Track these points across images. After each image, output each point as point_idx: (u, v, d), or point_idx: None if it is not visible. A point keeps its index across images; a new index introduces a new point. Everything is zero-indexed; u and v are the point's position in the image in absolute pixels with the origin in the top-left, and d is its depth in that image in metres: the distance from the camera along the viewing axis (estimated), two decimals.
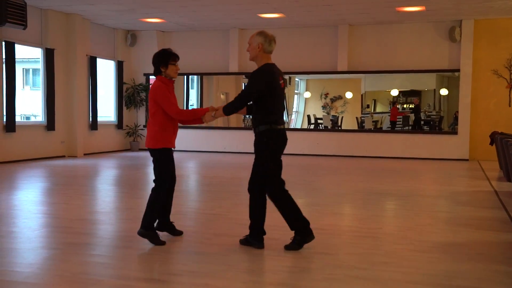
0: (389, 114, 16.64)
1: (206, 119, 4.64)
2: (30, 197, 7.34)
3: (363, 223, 5.66)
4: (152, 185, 4.67)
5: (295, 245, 4.43)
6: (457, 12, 12.12)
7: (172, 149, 4.71)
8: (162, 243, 4.55)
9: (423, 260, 4.24)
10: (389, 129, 15.99)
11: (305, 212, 6.52)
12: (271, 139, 4.42)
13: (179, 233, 4.91)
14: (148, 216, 4.57)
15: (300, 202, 7.36)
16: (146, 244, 4.51)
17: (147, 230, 4.55)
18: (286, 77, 16.63)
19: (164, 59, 4.66)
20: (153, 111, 4.63)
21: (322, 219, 5.80)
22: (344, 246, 4.74)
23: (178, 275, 3.84)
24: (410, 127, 15.90)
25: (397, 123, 16.11)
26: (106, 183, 9.25)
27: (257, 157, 4.49)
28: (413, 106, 16.66)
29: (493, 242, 4.90)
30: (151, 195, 4.64)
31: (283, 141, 4.53)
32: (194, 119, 4.75)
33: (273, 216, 5.86)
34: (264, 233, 4.53)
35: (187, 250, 4.37)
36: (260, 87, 4.37)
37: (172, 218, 4.96)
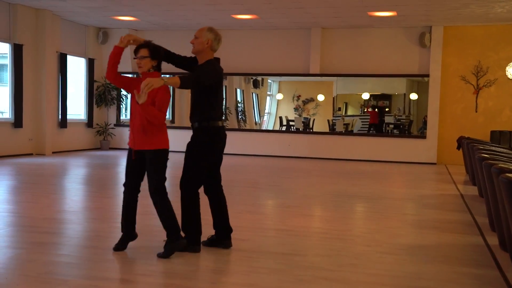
0: (361, 117, 16.78)
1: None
2: None
3: (332, 225, 5.71)
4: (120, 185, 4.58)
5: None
6: (427, 19, 12.36)
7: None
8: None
9: (390, 262, 4.31)
10: (365, 132, 16.15)
11: (275, 213, 6.58)
12: (208, 136, 4.29)
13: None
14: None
15: (270, 203, 7.43)
16: (113, 244, 4.42)
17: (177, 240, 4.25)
18: (259, 78, 16.70)
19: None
20: None
21: (291, 220, 5.83)
22: (313, 247, 4.77)
23: (146, 275, 3.80)
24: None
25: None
26: (74, 182, 9.10)
27: (191, 154, 4.32)
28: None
29: (458, 245, 5.00)
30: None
31: (221, 138, 4.39)
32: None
33: (242, 216, 5.87)
34: (200, 233, 4.38)
35: (156, 251, 4.33)
36: (216, 78, 4.30)
37: (141, 218, 4.88)
